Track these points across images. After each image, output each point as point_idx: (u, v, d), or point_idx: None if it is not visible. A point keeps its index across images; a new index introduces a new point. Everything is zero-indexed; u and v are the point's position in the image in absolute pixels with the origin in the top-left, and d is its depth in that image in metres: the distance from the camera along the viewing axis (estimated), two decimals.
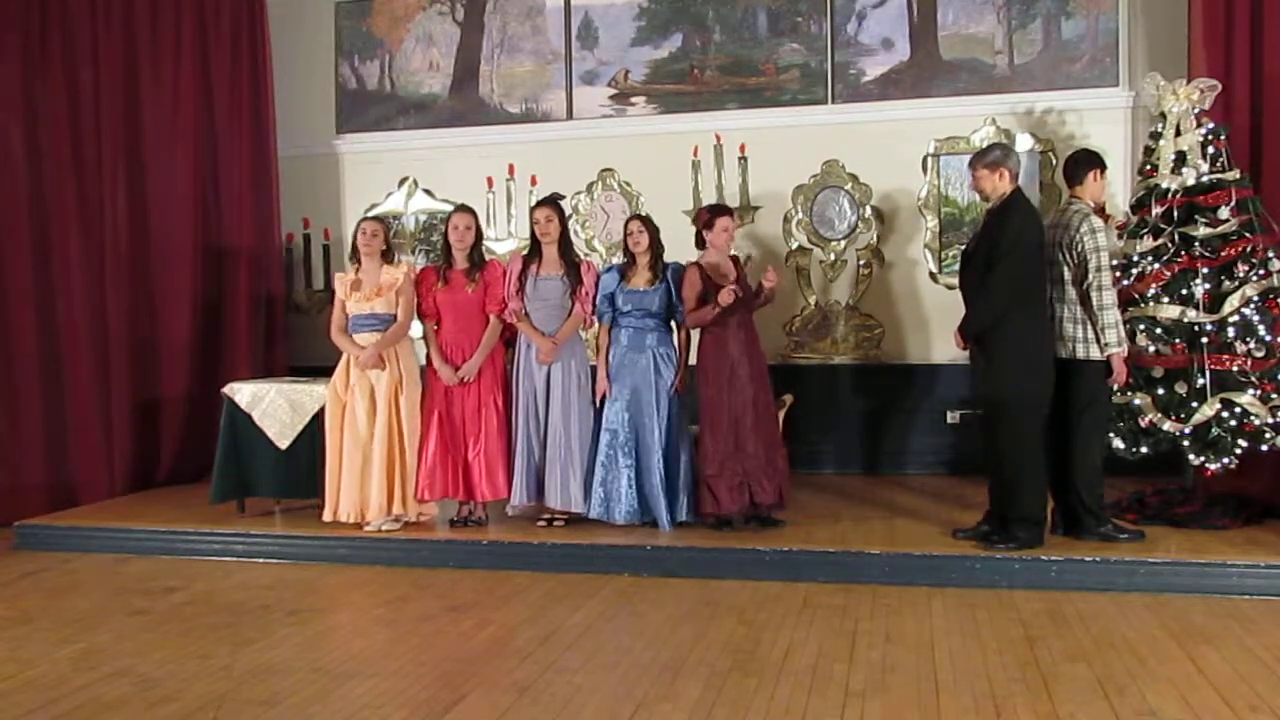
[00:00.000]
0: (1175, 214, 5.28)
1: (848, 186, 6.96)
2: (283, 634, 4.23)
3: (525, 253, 5.61)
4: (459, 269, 5.54)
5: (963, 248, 5.42)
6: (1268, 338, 5.08)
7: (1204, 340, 5.11)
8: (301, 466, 5.73)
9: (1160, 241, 5.30)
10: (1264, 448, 5.09)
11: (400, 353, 5.54)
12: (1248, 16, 5.77)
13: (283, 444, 5.77)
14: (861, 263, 6.96)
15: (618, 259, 5.95)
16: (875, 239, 6.94)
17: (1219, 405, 5.06)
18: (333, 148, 7.72)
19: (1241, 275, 5.13)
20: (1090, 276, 4.79)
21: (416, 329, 5.68)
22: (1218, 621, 4.17)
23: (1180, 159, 5.32)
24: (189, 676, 3.74)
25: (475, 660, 3.88)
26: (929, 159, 6.83)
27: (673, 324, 5.50)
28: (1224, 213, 5.19)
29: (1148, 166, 5.51)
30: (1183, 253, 5.24)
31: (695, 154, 6.93)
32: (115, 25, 6.89)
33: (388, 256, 5.66)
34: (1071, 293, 4.89)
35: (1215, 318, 5.12)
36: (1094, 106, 6.60)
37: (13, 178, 6.61)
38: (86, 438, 6.74)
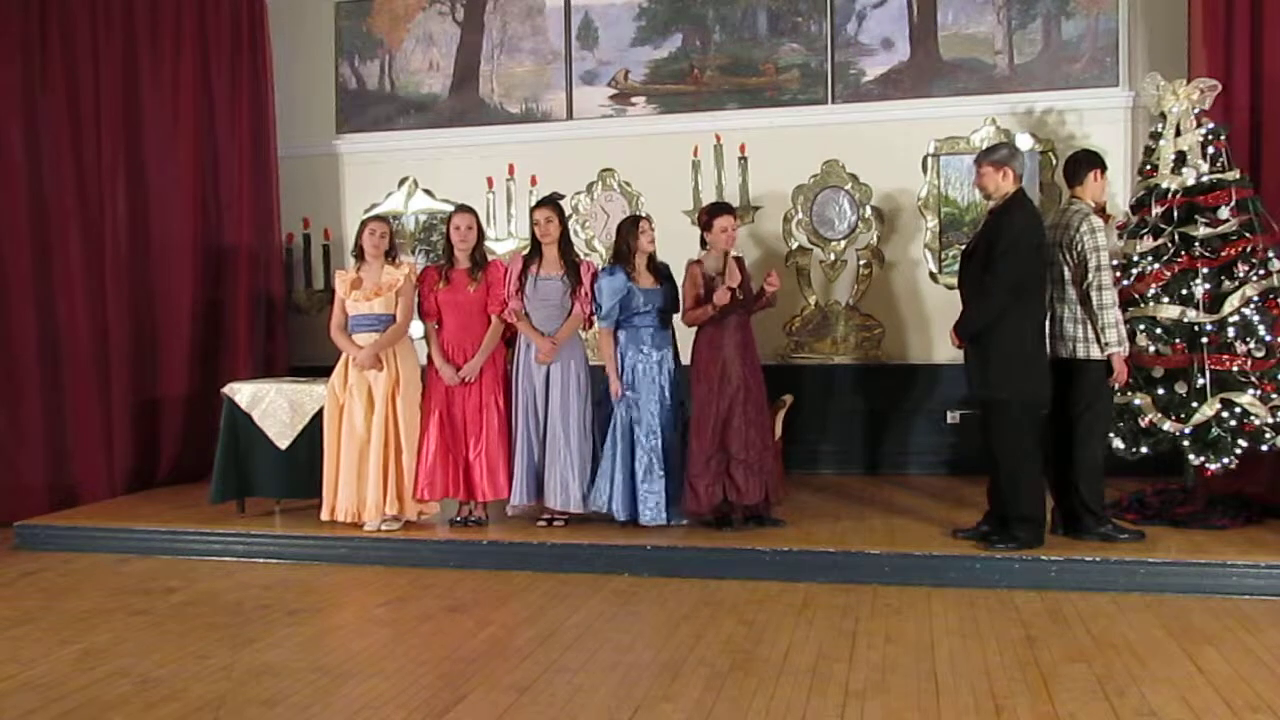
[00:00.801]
0: (1175, 214, 5.28)
1: (848, 186, 6.96)
2: (283, 634, 4.23)
3: (525, 253, 5.61)
4: (461, 269, 5.54)
5: (963, 247, 5.41)
6: (1268, 338, 5.08)
7: (1204, 340, 5.11)
8: (301, 466, 5.72)
9: (1160, 241, 5.30)
10: (1264, 448, 5.09)
11: (399, 353, 5.54)
12: (1248, 16, 5.77)
13: (283, 444, 5.77)
14: (862, 263, 6.96)
15: (609, 258, 5.86)
16: (875, 239, 6.94)
17: (1219, 405, 5.06)
18: (333, 148, 7.72)
19: (1241, 275, 5.13)
20: (1090, 276, 4.79)
21: (416, 329, 5.68)
22: (1218, 621, 4.17)
23: (1180, 159, 5.32)
24: (189, 676, 3.75)
25: (475, 660, 3.88)
26: (929, 159, 6.83)
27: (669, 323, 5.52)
28: (1224, 213, 5.19)
29: (1148, 166, 5.51)
30: (1183, 253, 5.24)
31: (695, 154, 6.93)
32: (115, 25, 6.90)
33: (390, 256, 5.66)
34: (1071, 292, 4.89)
35: (1215, 318, 5.12)
36: (1094, 106, 6.59)
37: (13, 178, 6.61)
38: (86, 438, 6.74)
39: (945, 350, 6.00)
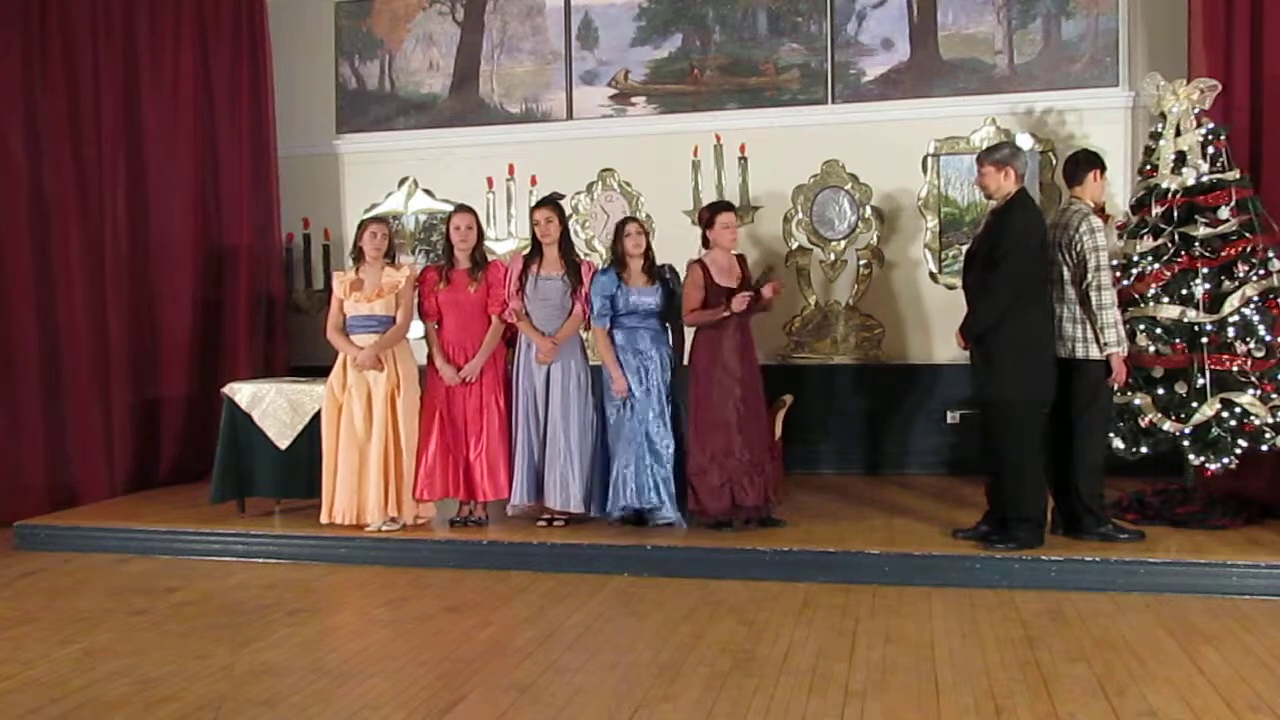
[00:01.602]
0: (1175, 214, 5.27)
1: (848, 186, 6.96)
2: (283, 634, 4.23)
3: (526, 253, 5.61)
4: (461, 269, 5.54)
5: (965, 247, 5.41)
6: (1268, 338, 5.08)
7: (1204, 340, 5.11)
8: (301, 467, 5.72)
9: (1160, 241, 5.30)
10: (1264, 448, 5.09)
11: (398, 354, 5.53)
12: (1248, 17, 5.77)
13: (282, 444, 5.77)
14: (862, 263, 6.96)
15: (607, 259, 5.89)
16: (875, 239, 6.94)
17: (1219, 405, 5.06)
18: (333, 148, 7.72)
19: (1241, 275, 5.13)
20: (1089, 276, 4.79)
21: (416, 329, 5.68)
22: (1218, 621, 4.17)
23: (1180, 159, 5.32)
24: (189, 676, 3.74)
25: (475, 660, 3.88)
26: (929, 159, 6.83)
27: (667, 325, 5.51)
28: (1224, 213, 5.18)
29: (1148, 166, 5.50)
30: (1183, 253, 5.24)
31: (695, 154, 6.93)
32: (115, 25, 6.89)
33: (390, 258, 5.66)
34: (1071, 292, 4.89)
35: (1215, 318, 5.11)
36: (1094, 106, 6.59)
37: (13, 178, 6.61)
38: (86, 438, 6.74)
39: (945, 350, 6.01)
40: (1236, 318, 5.10)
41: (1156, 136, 5.47)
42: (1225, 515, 5.17)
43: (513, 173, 7.19)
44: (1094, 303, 4.79)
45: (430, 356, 5.58)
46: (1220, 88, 5.41)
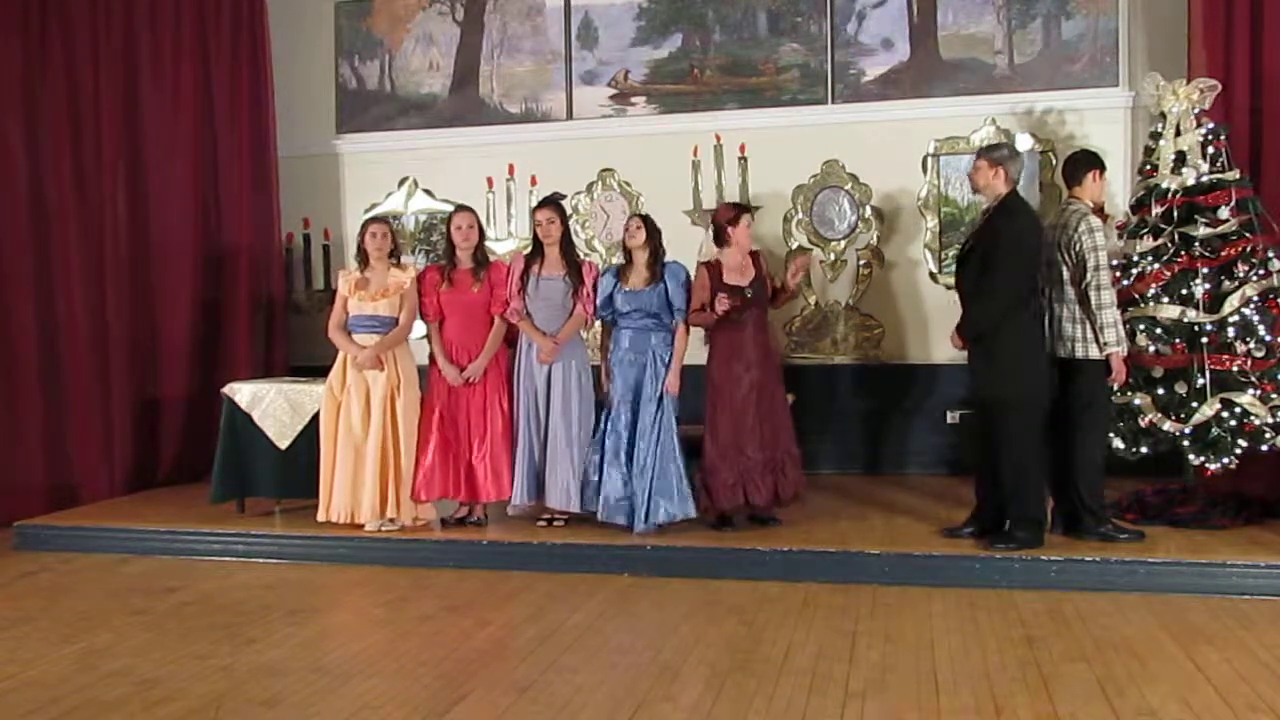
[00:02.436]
0: (1175, 214, 5.27)
1: (848, 186, 6.97)
2: (283, 634, 4.23)
3: (526, 253, 5.61)
4: (464, 269, 5.53)
5: (959, 247, 5.40)
6: (1268, 338, 5.08)
7: (1204, 340, 5.11)
8: (301, 466, 5.71)
9: (1160, 241, 5.30)
10: (1264, 448, 5.08)
11: (399, 354, 5.53)
12: (1248, 16, 5.77)
13: (282, 444, 5.77)
14: (861, 263, 6.96)
15: (618, 259, 5.94)
16: (875, 239, 6.94)
17: (1219, 405, 5.06)
18: (333, 148, 7.71)
19: (1241, 275, 5.13)
20: (1088, 276, 4.80)
21: (417, 329, 5.67)
22: (1218, 621, 4.17)
23: (1180, 159, 5.32)
24: (189, 676, 3.74)
25: (475, 660, 3.88)
26: (929, 159, 6.83)
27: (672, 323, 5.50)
28: (1224, 213, 5.19)
29: (1148, 166, 5.51)
30: (1183, 253, 5.23)
31: (695, 154, 6.93)
32: (115, 25, 6.89)
33: (394, 257, 5.65)
34: (1070, 292, 4.90)
35: (1215, 318, 5.11)
36: (1094, 106, 6.59)
37: (13, 178, 6.61)
38: (86, 438, 6.74)
39: (945, 350, 5.99)
40: (1236, 318, 5.10)
41: (1156, 136, 5.47)
42: (1225, 515, 5.17)
43: (513, 173, 7.19)
44: (1093, 302, 4.80)
45: (432, 357, 5.58)
46: (1220, 88, 5.41)
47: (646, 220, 5.49)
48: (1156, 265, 5.27)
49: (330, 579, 5.14)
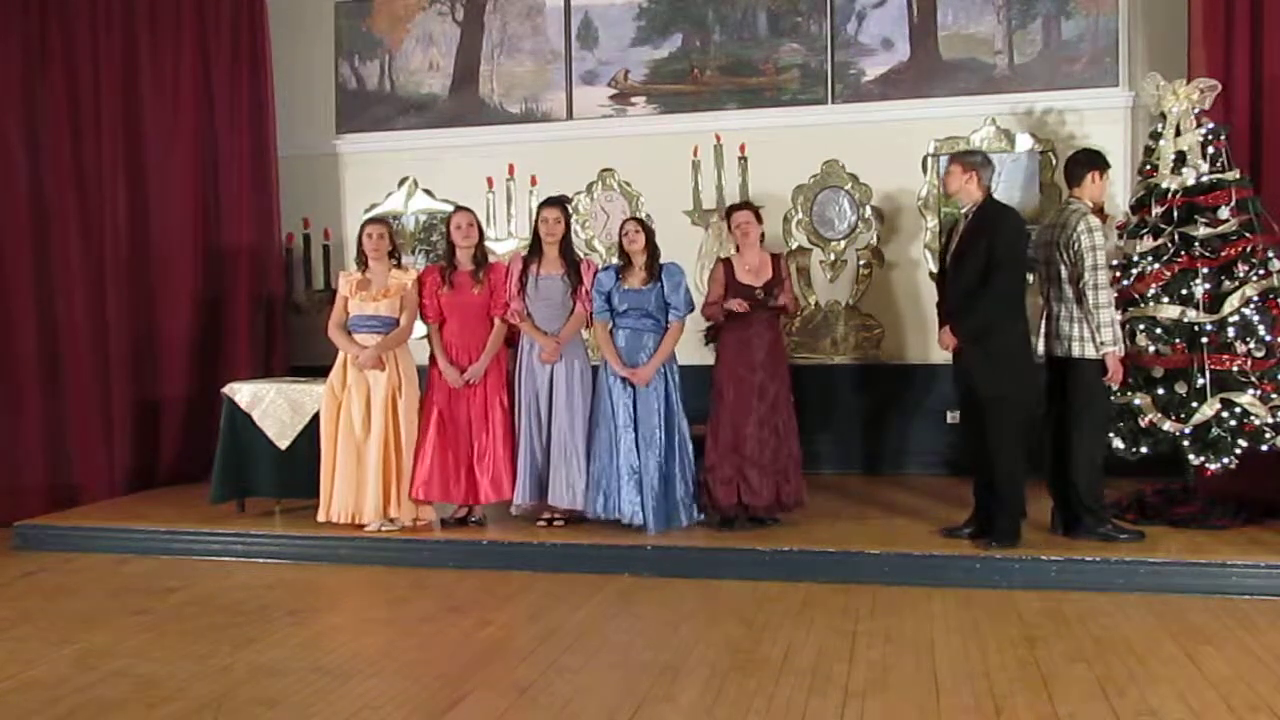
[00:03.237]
0: (1175, 214, 5.27)
1: (848, 186, 6.97)
2: (283, 634, 4.23)
3: (525, 253, 5.61)
4: (464, 270, 5.53)
5: (944, 248, 5.34)
6: (1268, 338, 5.08)
7: (1204, 340, 5.11)
8: (301, 466, 5.71)
9: (1160, 241, 5.30)
10: (1264, 448, 5.08)
11: (399, 354, 5.53)
12: (1248, 16, 5.77)
13: (282, 444, 5.77)
14: (861, 263, 6.96)
15: (617, 259, 5.94)
16: (875, 239, 6.94)
17: (1219, 405, 5.05)
18: (333, 148, 7.71)
19: (1241, 275, 5.13)
20: (1086, 275, 4.80)
21: (418, 330, 5.67)
22: (1218, 621, 4.17)
23: (1180, 159, 5.32)
24: (189, 676, 3.74)
25: (475, 660, 3.88)
26: (929, 159, 6.82)
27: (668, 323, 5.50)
28: (1224, 213, 5.19)
29: (1148, 166, 5.50)
30: (1183, 253, 5.23)
31: (695, 154, 6.94)
32: (115, 25, 6.89)
33: (395, 258, 5.66)
34: (1068, 292, 4.90)
35: (1215, 318, 5.11)
36: (1094, 106, 6.59)
37: (13, 178, 6.61)
38: (86, 438, 6.74)
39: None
40: (1236, 318, 5.10)
41: (1156, 136, 5.47)
42: (1225, 515, 5.18)
43: (513, 173, 7.19)
44: (1090, 302, 4.79)
45: (432, 357, 5.58)
46: (1220, 88, 5.41)
47: (643, 223, 5.52)
48: (1156, 265, 5.27)
49: (330, 579, 5.14)
